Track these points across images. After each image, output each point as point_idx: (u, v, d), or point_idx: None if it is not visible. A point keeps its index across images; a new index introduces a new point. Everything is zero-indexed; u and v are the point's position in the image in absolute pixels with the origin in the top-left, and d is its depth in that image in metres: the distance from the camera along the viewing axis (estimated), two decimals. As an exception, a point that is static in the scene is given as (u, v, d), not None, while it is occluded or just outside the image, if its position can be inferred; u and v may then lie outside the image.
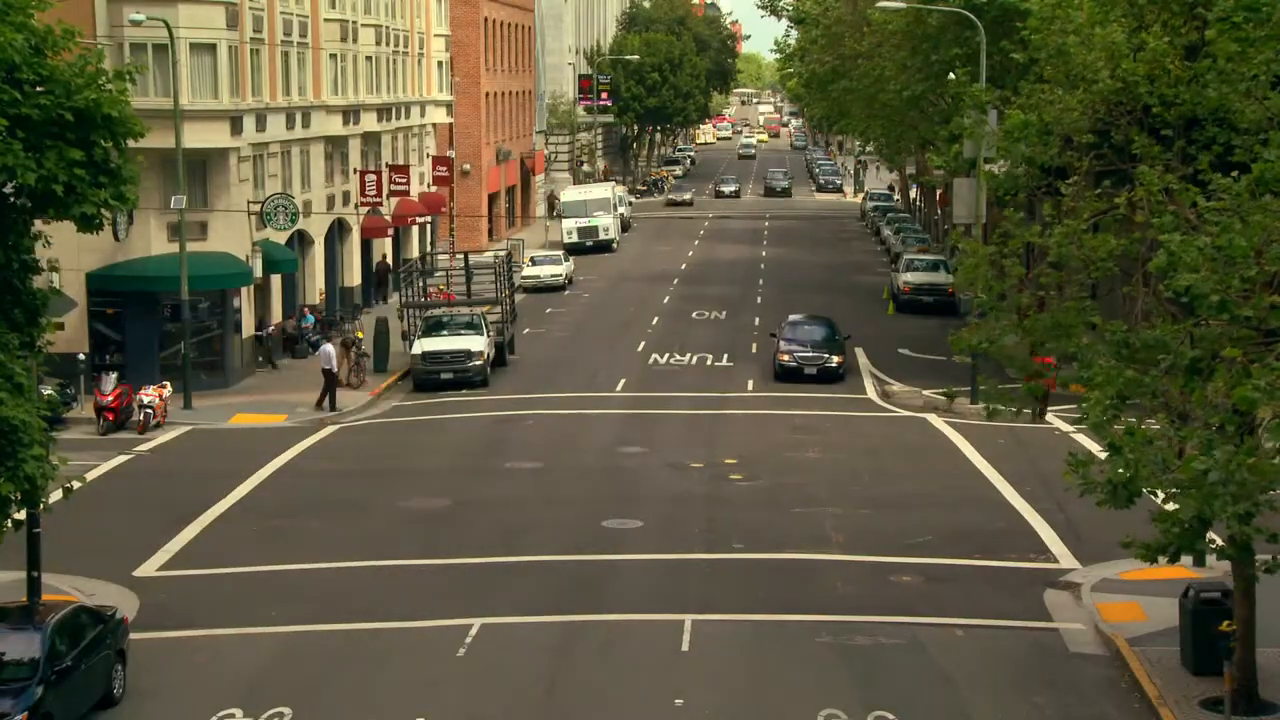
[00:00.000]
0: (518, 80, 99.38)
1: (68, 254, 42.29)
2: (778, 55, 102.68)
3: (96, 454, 40.11)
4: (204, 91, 47.87)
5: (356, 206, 63.38)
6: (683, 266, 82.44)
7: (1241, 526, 19.91)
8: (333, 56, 60.56)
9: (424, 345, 50.70)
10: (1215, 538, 21.70)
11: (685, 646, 26.13)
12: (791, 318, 54.64)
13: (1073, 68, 28.00)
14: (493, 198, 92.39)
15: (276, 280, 54.61)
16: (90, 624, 23.78)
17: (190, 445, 42.73)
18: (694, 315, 65.23)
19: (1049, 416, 42.40)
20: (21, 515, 24.17)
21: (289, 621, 27.60)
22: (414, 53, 73.70)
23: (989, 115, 36.30)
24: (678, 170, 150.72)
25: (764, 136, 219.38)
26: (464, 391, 49.64)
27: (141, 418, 43.32)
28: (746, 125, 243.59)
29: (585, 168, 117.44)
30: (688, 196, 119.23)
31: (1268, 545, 21.07)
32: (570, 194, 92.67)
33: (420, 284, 57.40)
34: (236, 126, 49.34)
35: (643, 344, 58.21)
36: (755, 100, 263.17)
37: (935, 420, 44.72)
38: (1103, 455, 21.53)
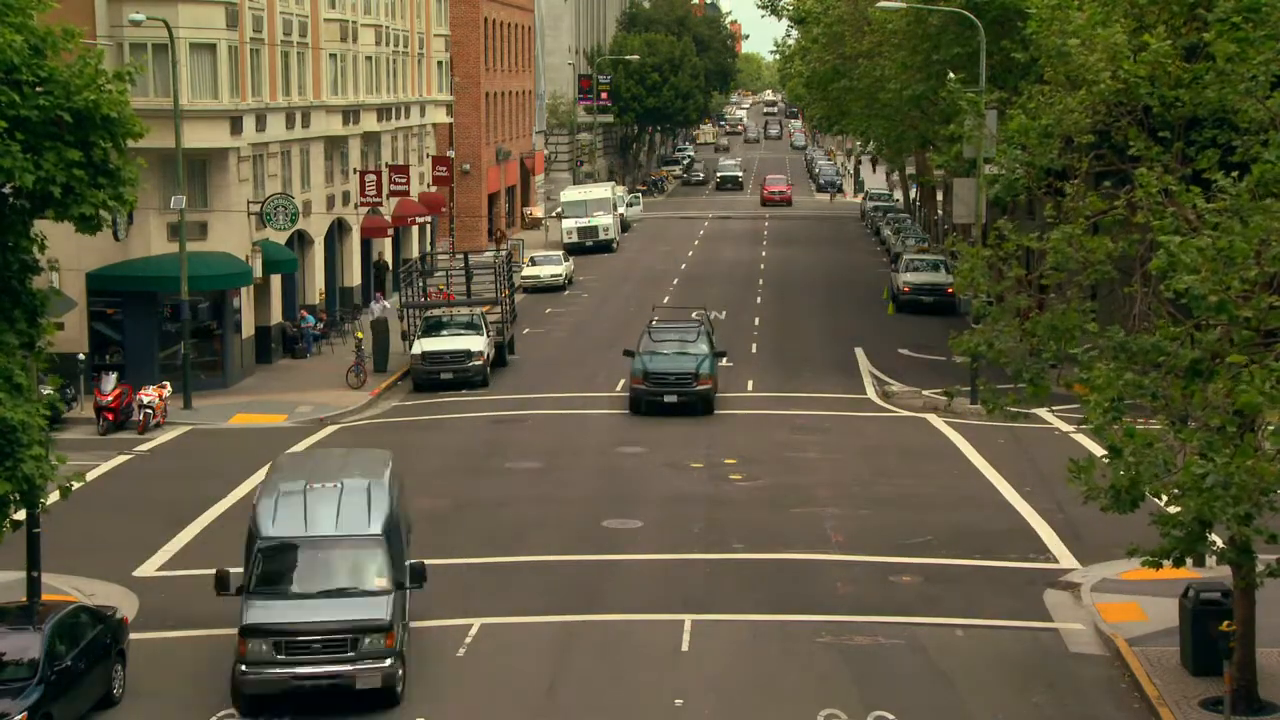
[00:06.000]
0: (518, 80, 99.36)
1: (68, 254, 42.36)
2: (778, 56, 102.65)
3: (96, 454, 40.11)
4: (204, 91, 47.86)
5: (356, 206, 63.38)
6: (683, 266, 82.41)
7: (1241, 528, 19.91)
8: (333, 56, 60.55)
9: (424, 345, 50.67)
10: (1216, 539, 21.69)
11: (685, 646, 26.13)
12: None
13: (1073, 69, 27.95)
14: (493, 198, 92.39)
15: (276, 280, 54.59)
16: (90, 624, 23.79)
17: (190, 445, 42.74)
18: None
19: (1049, 417, 42.42)
20: (21, 515, 24.17)
21: (289, 621, 27.54)
22: (414, 53, 73.67)
23: (988, 117, 36.23)
24: (677, 170, 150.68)
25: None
26: (464, 391, 49.62)
27: (141, 418, 43.31)
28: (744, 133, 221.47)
29: (585, 168, 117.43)
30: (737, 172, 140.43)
31: (1268, 547, 21.07)
32: (570, 194, 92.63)
33: (420, 284, 57.38)
34: (236, 126, 49.33)
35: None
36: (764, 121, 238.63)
37: (935, 420, 44.68)
38: (1104, 458, 21.51)
